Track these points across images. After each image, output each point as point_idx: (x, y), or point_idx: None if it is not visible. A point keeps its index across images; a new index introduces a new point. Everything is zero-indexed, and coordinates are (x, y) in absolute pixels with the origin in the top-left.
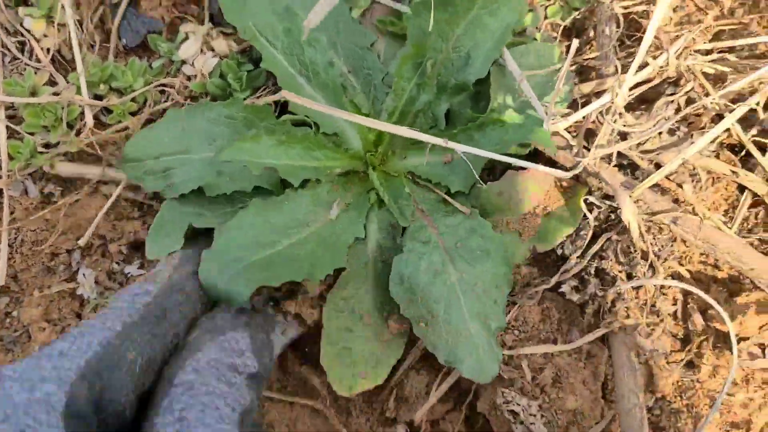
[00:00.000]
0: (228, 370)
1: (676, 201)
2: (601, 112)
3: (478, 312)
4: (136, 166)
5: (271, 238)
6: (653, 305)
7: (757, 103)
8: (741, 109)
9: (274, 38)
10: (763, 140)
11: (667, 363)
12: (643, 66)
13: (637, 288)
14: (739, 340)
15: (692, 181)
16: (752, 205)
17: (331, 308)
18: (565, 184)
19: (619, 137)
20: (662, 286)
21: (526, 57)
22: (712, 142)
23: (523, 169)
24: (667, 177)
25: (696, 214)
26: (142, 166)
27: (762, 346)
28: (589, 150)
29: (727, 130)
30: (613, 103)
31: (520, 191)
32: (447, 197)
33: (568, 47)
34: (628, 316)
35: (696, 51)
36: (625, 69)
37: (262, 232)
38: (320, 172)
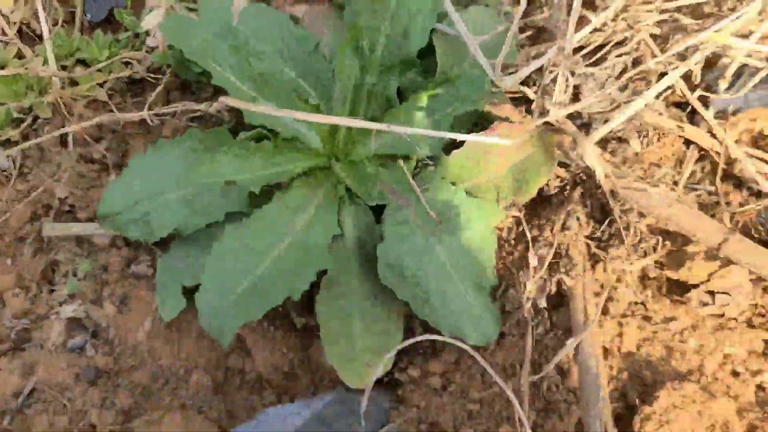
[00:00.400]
0: None
1: (624, 162)
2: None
3: (470, 279)
4: (116, 219)
5: (252, 261)
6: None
7: (696, 63)
8: (682, 69)
9: (221, 58)
10: (706, 94)
11: (623, 317)
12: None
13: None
14: (690, 287)
15: (639, 136)
16: (698, 159)
17: (323, 309)
18: (532, 132)
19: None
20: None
21: (465, 24)
22: (658, 97)
23: (485, 128)
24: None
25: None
26: (121, 218)
27: (711, 293)
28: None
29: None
30: (561, 51)
31: (486, 150)
32: (407, 173)
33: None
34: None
35: (643, 10)
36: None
37: (242, 258)
38: (283, 175)
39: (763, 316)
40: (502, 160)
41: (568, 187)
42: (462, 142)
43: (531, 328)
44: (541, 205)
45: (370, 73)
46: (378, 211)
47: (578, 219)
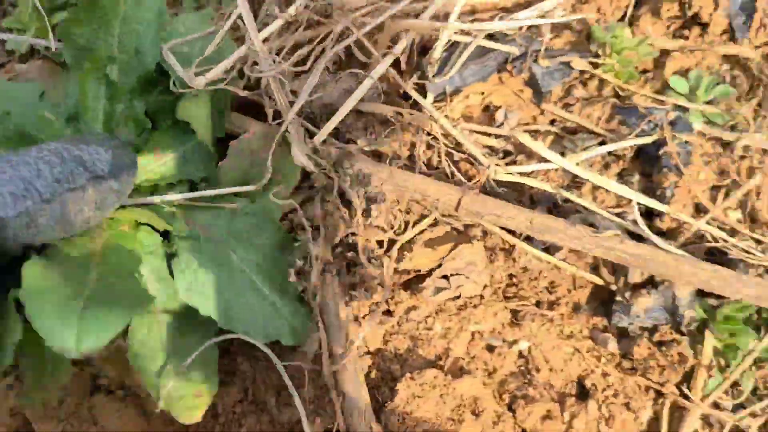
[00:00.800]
0: (74, 160)
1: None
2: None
3: (273, 285)
4: None
5: None
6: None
7: (402, 52)
8: (390, 58)
9: None
10: (422, 81)
11: (362, 317)
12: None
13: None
14: (423, 276)
15: (366, 133)
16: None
17: (136, 357)
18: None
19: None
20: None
21: (176, 29)
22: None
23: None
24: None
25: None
26: None
27: (446, 278)
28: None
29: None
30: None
31: (244, 157)
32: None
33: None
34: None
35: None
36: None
37: None
38: None
39: (516, 285)
40: (265, 164)
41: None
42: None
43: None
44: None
45: (119, 102)
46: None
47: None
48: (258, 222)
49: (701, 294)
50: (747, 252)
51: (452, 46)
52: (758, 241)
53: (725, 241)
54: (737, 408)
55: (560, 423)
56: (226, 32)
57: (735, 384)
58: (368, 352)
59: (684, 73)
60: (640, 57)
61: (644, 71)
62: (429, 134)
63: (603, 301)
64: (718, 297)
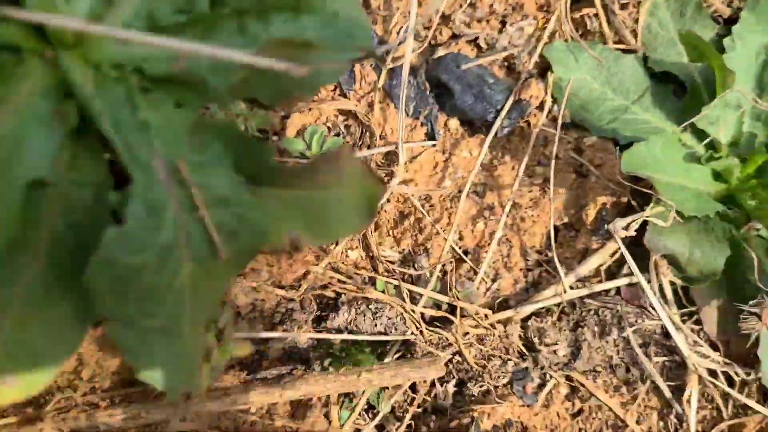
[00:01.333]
0: None
1: None
2: None
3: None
4: None
5: None
6: None
7: None
8: None
9: None
10: None
11: None
12: None
13: None
14: None
15: None
16: None
17: None
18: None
19: None
20: None
21: None
22: None
23: None
24: None
25: None
26: None
27: None
28: None
29: None
30: None
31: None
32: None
33: None
34: None
35: None
36: None
37: None
38: None
39: None
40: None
41: None
42: None
43: None
44: None
45: None
46: None
47: None
48: (242, 229)
49: None
50: (356, 290)
51: None
52: (372, 277)
53: (332, 285)
54: (380, 429)
55: None
56: None
57: (371, 407)
58: None
59: (304, 130)
60: (258, 124)
61: (275, 134)
62: None
63: None
64: None
